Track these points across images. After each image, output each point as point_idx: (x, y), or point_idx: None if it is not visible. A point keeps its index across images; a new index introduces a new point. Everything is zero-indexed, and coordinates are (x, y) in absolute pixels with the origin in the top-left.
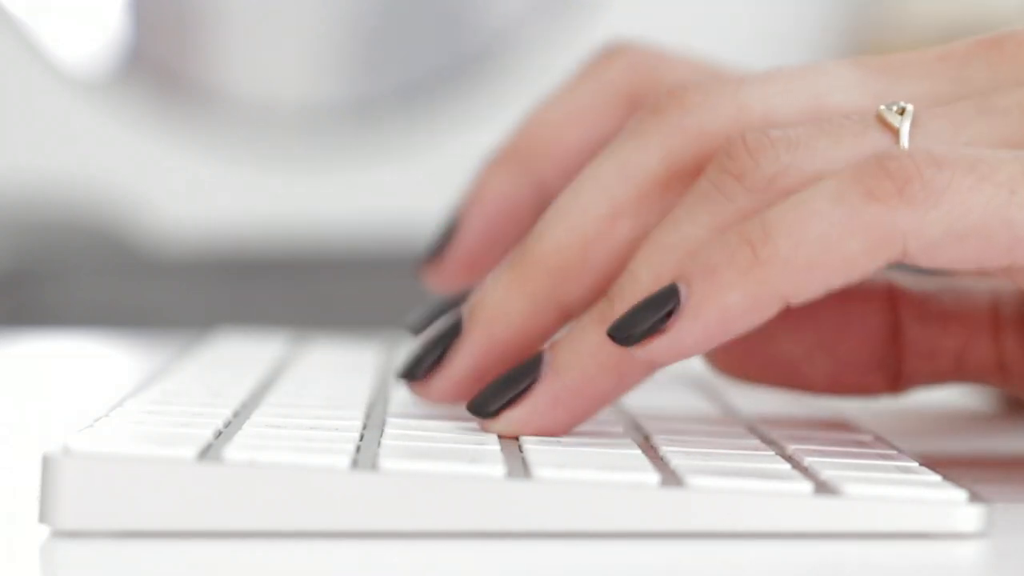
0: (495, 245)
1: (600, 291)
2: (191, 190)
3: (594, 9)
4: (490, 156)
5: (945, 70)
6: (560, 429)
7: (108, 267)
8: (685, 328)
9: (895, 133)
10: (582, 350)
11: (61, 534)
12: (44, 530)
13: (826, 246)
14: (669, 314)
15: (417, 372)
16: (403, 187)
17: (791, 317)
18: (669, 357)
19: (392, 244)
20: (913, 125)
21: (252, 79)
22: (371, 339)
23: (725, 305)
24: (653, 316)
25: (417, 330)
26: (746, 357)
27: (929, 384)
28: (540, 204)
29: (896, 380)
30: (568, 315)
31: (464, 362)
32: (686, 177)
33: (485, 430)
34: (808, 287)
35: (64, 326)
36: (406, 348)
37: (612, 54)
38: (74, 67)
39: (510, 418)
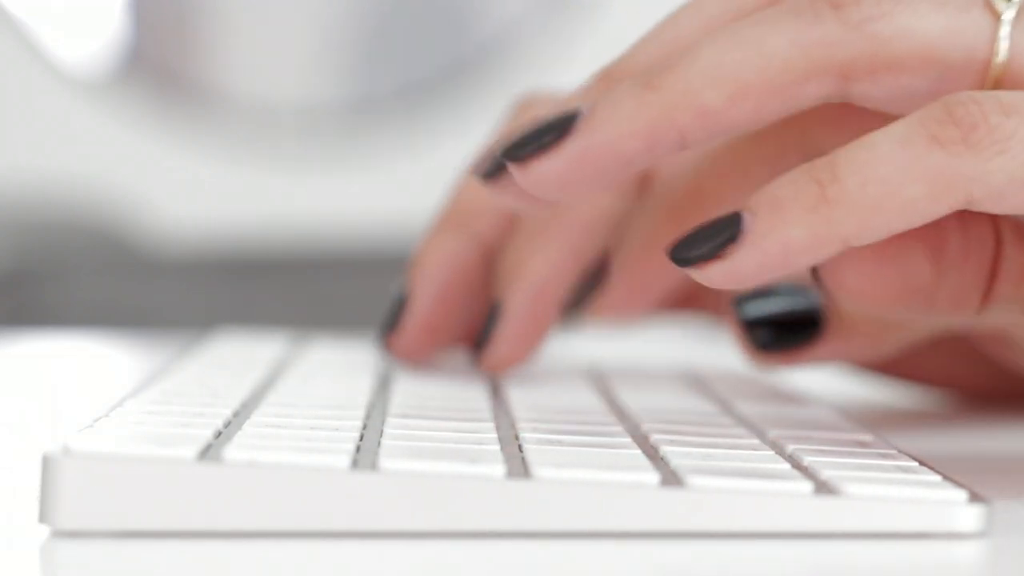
0: (449, 308)
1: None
2: (191, 190)
3: (594, 9)
4: (430, 225)
5: None
6: (582, 186)
7: (108, 267)
8: (743, 257)
9: (997, 18)
10: (620, 110)
11: (61, 534)
12: (44, 530)
13: (891, 189)
14: (729, 240)
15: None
16: (402, 187)
17: (918, 235)
18: (723, 283)
19: (391, 244)
20: (1017, 16)
21: (252, 79)
22: (371, 339)
23: (787, 239)
24: (713, 240)
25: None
26: (871, 278)
27: (1006, 311)
28: (486, 261)
29: (984, 300)
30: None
31: (570, 157)
32: None
33: (514, 176)
34: (871, 229)
35: (64, 326)
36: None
37: (524, 105)
38: (74, 67)
39: (538, 169)
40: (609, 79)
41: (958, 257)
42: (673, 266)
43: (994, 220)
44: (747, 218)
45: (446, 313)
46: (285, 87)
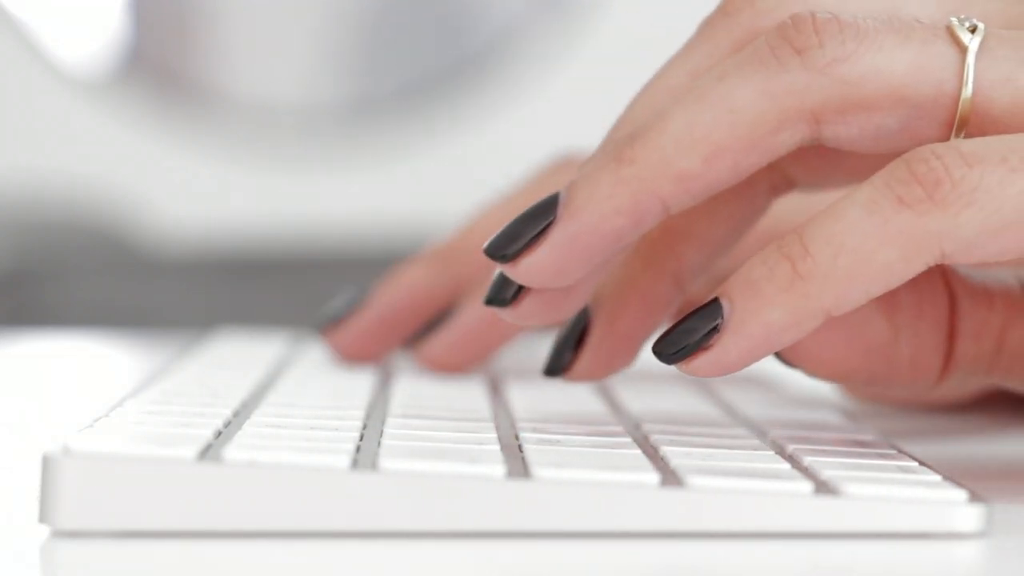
0: (395, 327)
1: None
2: (191, 190)
3: (594, 10)
4: (421, 253)
5: None
6: (577, 270)
7: (108, 267)
8: (729, 344)
9: (963, 51)
10: (598, 191)
11: (61, 534)
12: (44, 530)
13: (863, 256)
14: (711, 332)
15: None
16: (403, 187)
17: (876, 303)
18: (713, 372)
19: (392, 244)
20: (982, 46)
21: (252, 79)
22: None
23: (768, 321)
24: (697, 333)
25: (412, 346)
26: (835, 351)
27: (968, 371)
28: (453, 301)
29: (945, 366)
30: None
31: (556, 246)
32: None
33: (506, 274)
34: (849, 298)
35: (64, 326)
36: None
37: (557, 166)
38: (74, 67)
39: (529, 263)
40: (621, 163)
41: (912, 313)
42: (653, 310)
43: (946, 279)
44: (725, 305)
45: (391, 331)
46: (285, 87)
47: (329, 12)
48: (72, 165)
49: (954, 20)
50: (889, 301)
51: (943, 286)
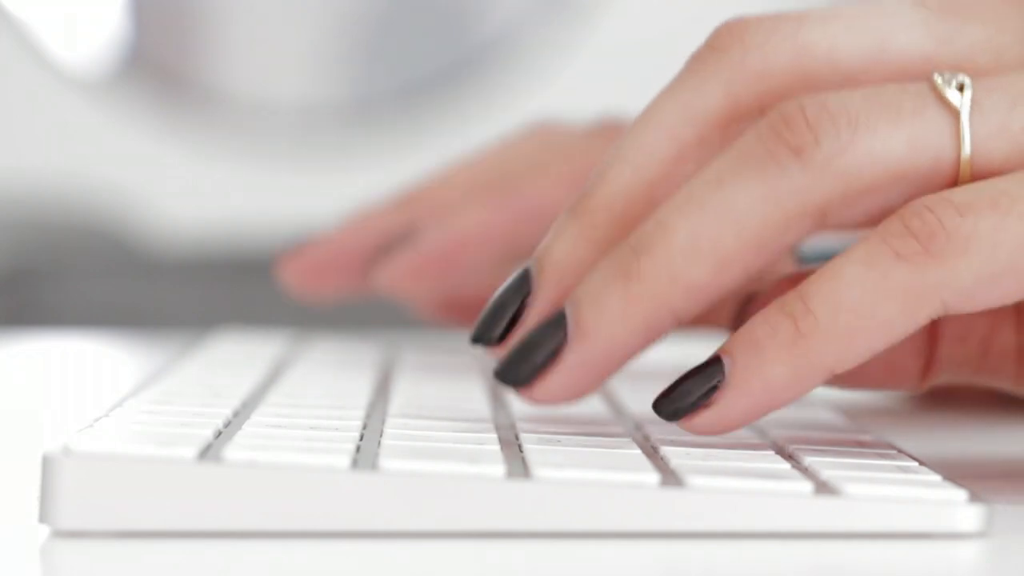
0: (351, 258)
1: None
2: (191, 190)
3: (594, 10)
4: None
5: (1008, 15)
6: (593, 388)
7: (108, 267)
8: (730, 401)
9: (955, 116)
10: (609, 312)
11: (61, 534)
12: (44, 530)
13: (863, 313)
14: (713, 389)
15: (492, 334)
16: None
17: None
18: (714, 430)
19: None
20: (974, 105)
21: (252, 79)
22: (371, 339)
23: (769, 378)
24: (698, 391)
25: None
26: None
27: (952, 374)
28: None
29: (927, 369)
30: None
31: (538, 316)
32: (747, 117)
33: (522, 399)
34: (851, 355)
35: (64, 326)
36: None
37: (530, 131)
38: (74, 67)
39: (546, 389)
40: (583, 215)
41: None
42: (645, 338)
43: None
44: (727, 362)
45: (346, 263)
46: (285, 87)
47: (329, 12)
48: (72, 165)
49: (939, 80)
50: None
51: None
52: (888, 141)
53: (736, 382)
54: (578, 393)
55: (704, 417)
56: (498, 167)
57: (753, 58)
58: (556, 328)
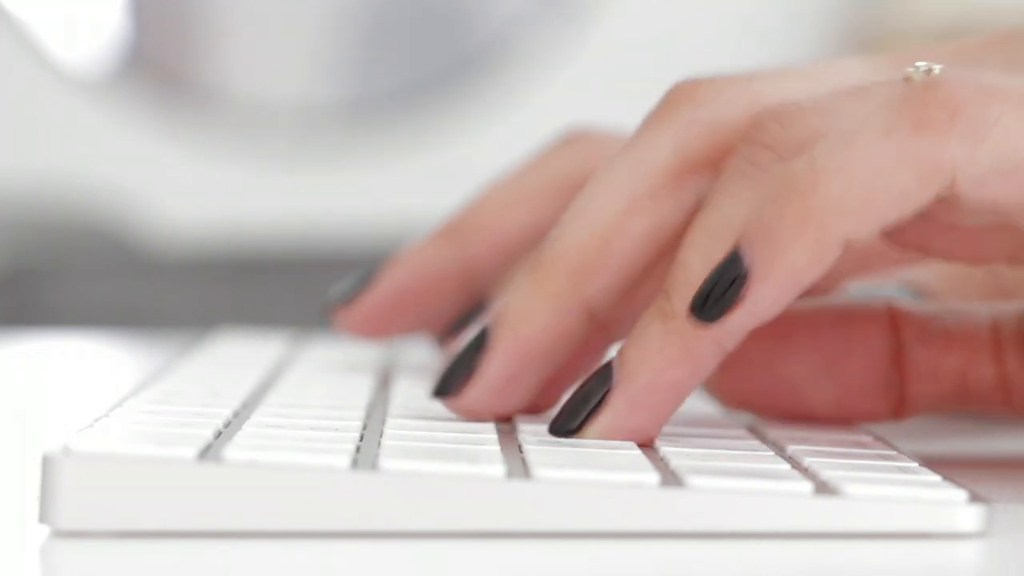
0: (407, 306)
1: (621, 288)
2: (191, 190)
3: (594, 10)
4: (431, 230)
5: (961, 63)
6: (647, 431)
7: (108, 267)
8: (758, 293)
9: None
10: (648, 348)
11: (61, 534)
12: (44, 530)
13: (879, 182)
14: (737, 285)
15: (451, 387)
16: (403, 187)
17: (794, 341)
18: (751, 324)
19: (391, 244)
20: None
21: (252, 79)
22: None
23: (790, 261)
24: (724, 290)
25: (442, 340)
26: (750, 385)
27: (932, 409)
28: (465, 280)
29: (900, 405)
30: (592, 313)
31: (495, 370)
32: (700, 169)
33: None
34: (865, 225)
35: (64, 326)
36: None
37: (567, 142)
38: (74, 67)
39: (595, 430)
40: (538, 268)
41: (834, 356)
42: (568, 346)
43: (894, 323)
44: (745, 256)
45: (401, 309)
46: (285, 87)
47: (329, 12)
48: (72, 165)
49: (911, 68)
50: (808, 342)
51: (887, 330)
52: (858, 115)
53: (758, 273)
54: (635, 434)
55: (738, 315)
56: (542, 185)
57: (703, 111)
58: (604, 377)
